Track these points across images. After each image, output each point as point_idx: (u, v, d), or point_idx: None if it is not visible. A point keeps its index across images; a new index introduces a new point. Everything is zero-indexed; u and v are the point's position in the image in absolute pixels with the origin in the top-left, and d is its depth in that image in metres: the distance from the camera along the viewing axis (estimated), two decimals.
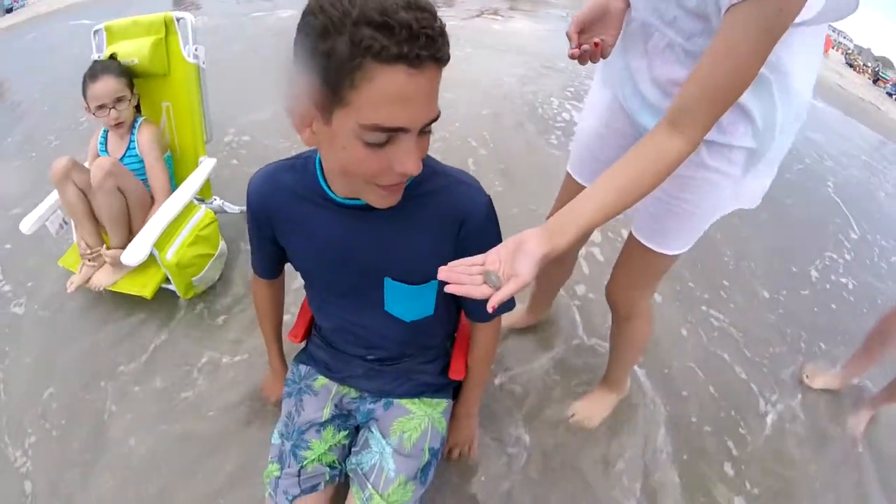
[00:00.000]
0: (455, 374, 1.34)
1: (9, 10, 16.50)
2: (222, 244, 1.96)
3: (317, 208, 1.00)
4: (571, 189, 1.41)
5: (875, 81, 18.52)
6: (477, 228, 1.02)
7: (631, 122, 1.15)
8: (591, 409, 1.73)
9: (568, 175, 1.44)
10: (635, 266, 1.31)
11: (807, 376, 1.85)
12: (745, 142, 0.98)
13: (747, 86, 0.81)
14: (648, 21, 1.00)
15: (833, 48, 25.61)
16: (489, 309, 0.78)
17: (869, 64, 22.44)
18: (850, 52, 28.24)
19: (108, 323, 1.90)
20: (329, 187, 0.97)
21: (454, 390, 1.38)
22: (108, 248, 1.88)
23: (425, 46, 0.67)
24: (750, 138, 0.98)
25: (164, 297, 1.91)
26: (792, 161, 3.71)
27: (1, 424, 1.61)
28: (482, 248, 0.88)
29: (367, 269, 1.06)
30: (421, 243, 1.02)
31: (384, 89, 0.69)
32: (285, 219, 1.06)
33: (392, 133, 0.74)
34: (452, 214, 1.00)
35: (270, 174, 1.05)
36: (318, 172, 0.98)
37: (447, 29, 0.71)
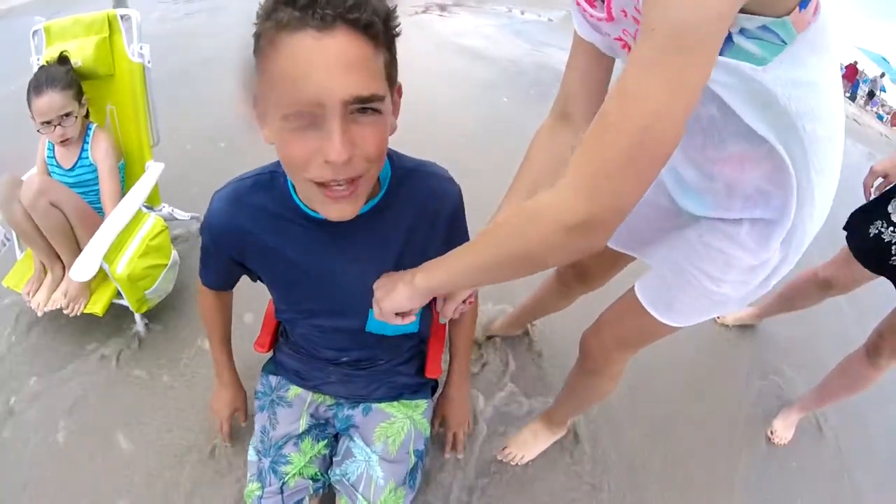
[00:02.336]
0: (432, 372, 1.31)
1: None
2: (174, 253, 1.86)
3: (290, 224, 0.95)
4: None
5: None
6: (447, 219, 1.00)
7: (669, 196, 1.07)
8: (525, 444, 1.61)
9: None
10: (627, 326, 1.16)
11: (771, 432, 1.88)
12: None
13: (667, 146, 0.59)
14: None
15: None
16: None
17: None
18: None
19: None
20: (300, 200, 0.91)
21: (431, 389, 1.35)
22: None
23: (329, 4, 0.64)
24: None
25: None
26: None
27: None
28: (452, 242, 0.87)
29: (351, 294, 1.01)
30: (405, 256, 0.98)
31: (290, 58, 0.66)
32: (255, 241, 0.99)
33: (308, 108, 0.68)
34: (426, 209, 0.97)
35: (234, 195, 0.97)
36: (290, 186, 0.92)
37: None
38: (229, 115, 3.08)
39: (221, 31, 5.44)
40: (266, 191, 0.95)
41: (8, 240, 1.89)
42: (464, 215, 1.06)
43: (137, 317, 1.78)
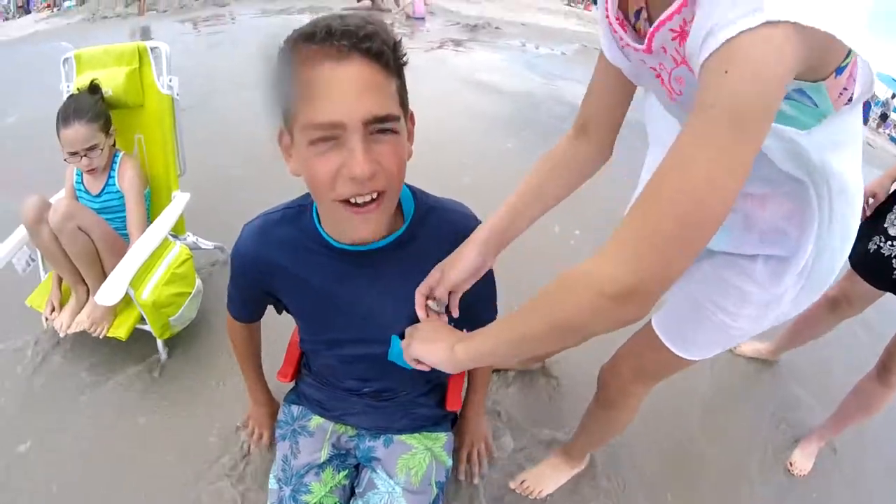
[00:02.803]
0: (452, 405, 1.33)
1: None
2: (198, 282, 1.89)
3: (315, 256, 0.99)
4: None
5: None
6: None
7: None
8: (543, 478, 1.59)
9: None
10: (645, 359, 1.16)
11: (791, 463, 1.86)
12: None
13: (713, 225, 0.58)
14: None
15: None
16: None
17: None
18: None
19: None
20: (326, 233, 0.95)
21: (451, 422, 1.36)
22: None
23: (344, 37, 0.72)
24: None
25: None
26: None
27: None
28: (475, 287, 0.96)
29: (373, 323, 1.04)
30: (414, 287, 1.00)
31: (312, 87, 0.73)
32: (283, 274, 1.03)
33: (331, 131, 0.74)
34: (449, 246, 0.99)
35: (263, 228, 1.02)
36: (315, 218, 0.97)
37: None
38: (250, 145, 3.15)
39: (242, 62, 5.57)
40: (294, 224, 1.00)
41: (33, 260, 1.92)
42: None
43: (160, 343, 1.81)
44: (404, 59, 0.81)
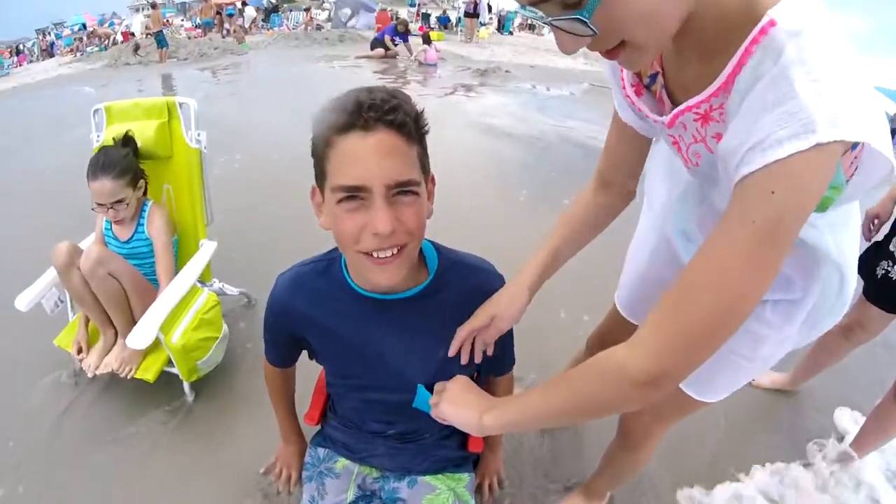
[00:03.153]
0: (474, 447, 1.35)
1: None
2: (225, 327, 1.95)
3: (344, 305, 1.06)
4: (618, 322, 1.41)
5: None
6: None
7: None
8: None
9: (615, 307, 1.43)
10: (665, 404, 1.16)
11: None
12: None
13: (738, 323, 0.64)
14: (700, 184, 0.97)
15: None
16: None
17: None
18: None
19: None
20: (354, 282, 1.03)
21: (473, 463, 1.38)
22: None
23: (371, 110, 0.80)
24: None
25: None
26: None
27: None
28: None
29: (397, 371, 1.10)
30: (447, 334, 1.07)
31: (343, 153, 0.82)
32: (313, 322, 1.10)
33: (357, 192, 0.82)
34: (473, 301, 1.06)
35: (296, 279, 1.11)
36: (344, 269, 1.04)
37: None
38: (273, 194, 3.27)
39: (263, 109, 5.76)
40: (323, 276, 1.07)
41: (62, 301, 2.00)
42: None
43: (186, 386, 1.86)
44: (426, 128, 0.88)
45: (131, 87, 8.86)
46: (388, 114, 0.80)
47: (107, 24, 23.77)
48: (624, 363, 0.70)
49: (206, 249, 2.01)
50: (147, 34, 16.99)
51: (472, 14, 15.66)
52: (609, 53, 0.66)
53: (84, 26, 24.03)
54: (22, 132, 5.25)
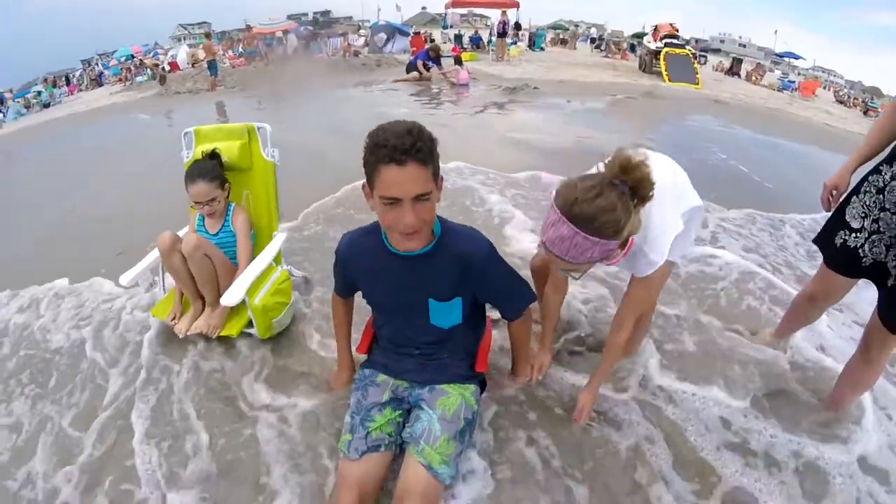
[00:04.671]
0: (480, 367, 1.88)
1: (46, 106, 18.18)
2: (294, 296, 2.52)
3: (380, 258, 1.64)
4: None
5: (866, 112, 18.21)
6: (479, 266, 1.65)
7: None
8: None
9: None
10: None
11: None
12: None
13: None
14: None
15: (823, 88, 26.13)
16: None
17: (859, 96, 22.07)
18: (839, 88, 28.54)
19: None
20: (389, 244, 1.60)
21: (479, 383, 1.89)
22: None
23: (404, 152, 1.33)
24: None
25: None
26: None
27: None
28: (486, 280, 1.67)
29: (416, 294, 1.67)
30: (446, 275, 1.64)
31: (385, 177, 1.35)
32: (362, 267, 1.71)
33: (394, 200, 1.37)
34: (458, 257, 1.62)
35: (353, 236, 1.72)
36: (383, 235, 1.61)
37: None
38: (320, 197, 3.89)
39: (306, 133, 6.42)
40: (371, 236, 1.66)
41: (154, 284, 2.62)
42: (497, 257, 1.71)
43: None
44: (437, 149, 1.43)
45: (188, 113, 9.71)
46: (415, 152, 1.34)
47: (151, 55, 24.94)
48: (621, 336, 1.81)
49: (279, 238, 2.58)
50: (194, 63, 17.90)
51: (502, 34, 16.28)
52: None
53: (132, 56, 25.26)
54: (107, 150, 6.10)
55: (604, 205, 1.29)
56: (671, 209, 1.59)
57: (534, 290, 1.90)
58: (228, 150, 2.58)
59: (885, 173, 1.68)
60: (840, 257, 1.81)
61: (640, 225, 1.38)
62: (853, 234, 1.76)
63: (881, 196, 1.68)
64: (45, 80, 24.66)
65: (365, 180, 1.45)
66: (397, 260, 1.61)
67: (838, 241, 1.80)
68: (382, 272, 1.66)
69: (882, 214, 1.68)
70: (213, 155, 2.53)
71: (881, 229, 1.69)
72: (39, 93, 20.48)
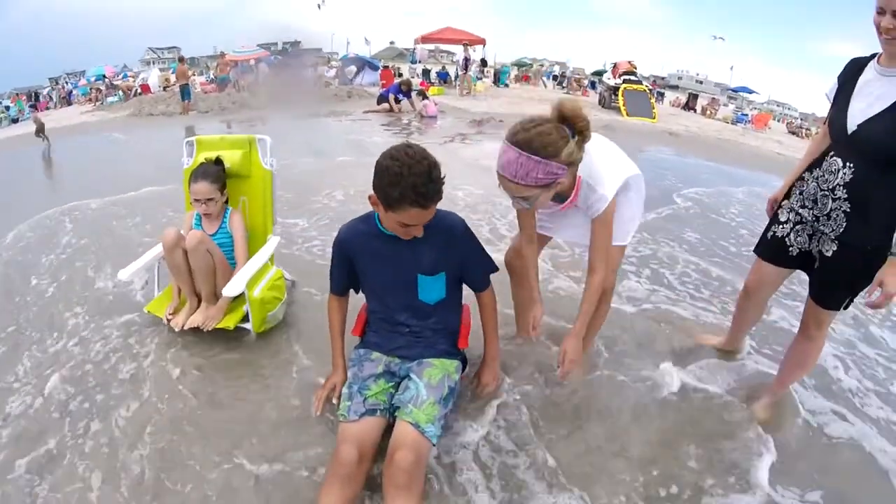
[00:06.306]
0: (462, 344, 2.14)
1: (14, 121, 17.70)
2: (287, 294, 2.74)
3: (377, 240, 1.91)
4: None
5: None
6: (459, 237, 1.97)
7: None
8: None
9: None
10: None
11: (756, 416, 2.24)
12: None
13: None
14: None
15: (776, 120, 27.38)
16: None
17: (812, 127, 22.34)
18: (792, 120, 29.65)
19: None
20: (383, 227, 1.87)
21: (461, 359, 2.13)
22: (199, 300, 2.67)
23: (428, 198, 1.63)
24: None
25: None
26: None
27: None
28: (465, 250, 1.99)
29: (407, 270, 1.94)
30: (432, 250, 1.92)
31: (409, 213, 1.66)
32: (358, 249, 1.96)
33: (410, 225, 1.72)
34: (443, 231, 1.92)
35: (351, 225, 1.98)
36: (376, 219, 1.88)
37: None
38: (313, 209, 4.10)
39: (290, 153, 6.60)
40: (366, 222, 1.94)
41: (148, 282, 2.80)
42: (470, 233, 2.01)
43: (253, 336, 2.61)
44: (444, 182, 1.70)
45: (158, 136, 9.83)
46: (435, 196, 1.65)
47: (121, 77, 24.85)
48: (600, 281, 2.01)
49: (273, 242, 2.81)
50: (166, 87, 17.74)
51: (465, 68, 16.91)
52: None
53: (104, 76, 25.02)
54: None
55: (541, 129, 1.64)
56: (614, 154, 2.02)
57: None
58: (230, 158, 2.81)
59: (807, 179, 1.97)
60: (771, 247, 2.08)
61: (580, 156, 1.70)
62: (780, 226, 2.04)
63: (801, 195, 1.99)
64: (13, 96, 24.07)
65: (374, 193, 1.70)
66: (391, 240, 1.89)
67: (769, 234, 2.09)
68: (377, 252, 1.93)
69: (802, 210, 1.98)
70: (218, 161, 2.75)
71: (802, 220, 1.97)
72: (8, 108, 20.08)
